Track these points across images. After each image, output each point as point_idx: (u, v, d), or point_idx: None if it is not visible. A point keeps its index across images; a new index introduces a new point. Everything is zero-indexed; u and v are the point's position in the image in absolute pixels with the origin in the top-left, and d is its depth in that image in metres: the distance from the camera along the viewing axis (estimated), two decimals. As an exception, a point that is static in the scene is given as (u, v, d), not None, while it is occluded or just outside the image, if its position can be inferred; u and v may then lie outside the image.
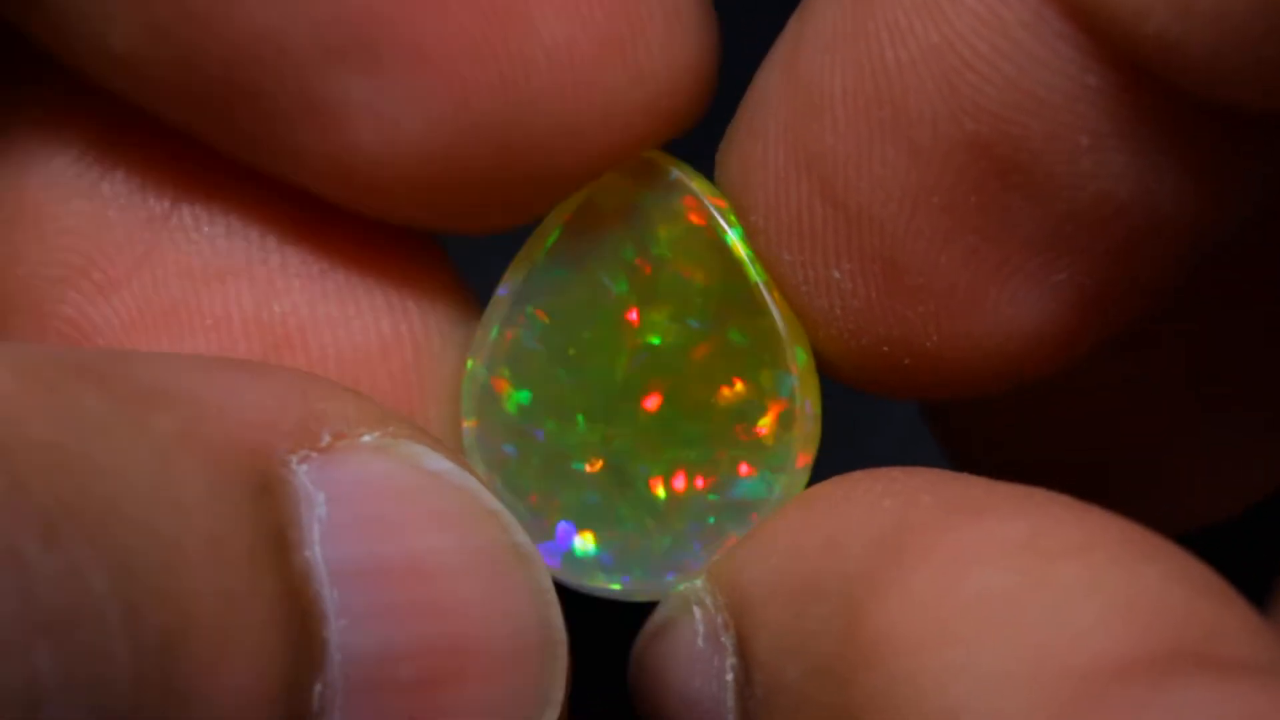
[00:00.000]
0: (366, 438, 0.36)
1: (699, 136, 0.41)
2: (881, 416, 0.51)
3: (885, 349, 0.38)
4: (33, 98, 0.40)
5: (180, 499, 0.31)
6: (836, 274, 0.38)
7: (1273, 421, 0.47)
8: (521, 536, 0.36)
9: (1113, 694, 0.29)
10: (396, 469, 0.36)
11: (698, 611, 0.37)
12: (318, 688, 0.33)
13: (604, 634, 0.40)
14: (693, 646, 0.37)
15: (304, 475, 0.34)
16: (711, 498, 0.39)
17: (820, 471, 0.39)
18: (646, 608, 0.40)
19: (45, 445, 0.30)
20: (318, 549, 0.34)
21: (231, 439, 0.33)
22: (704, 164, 0.40)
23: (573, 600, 0.38)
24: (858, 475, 0.37)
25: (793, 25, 0.38)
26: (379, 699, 0.34)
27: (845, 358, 0.39)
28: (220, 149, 0.39)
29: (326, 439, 0.35)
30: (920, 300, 0.37)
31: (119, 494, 0.30)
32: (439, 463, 0.36)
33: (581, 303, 0.39)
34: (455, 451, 0.38)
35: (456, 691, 0.35)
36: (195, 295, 0.39)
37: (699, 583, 0.38)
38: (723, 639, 0.36)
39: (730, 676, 0.36)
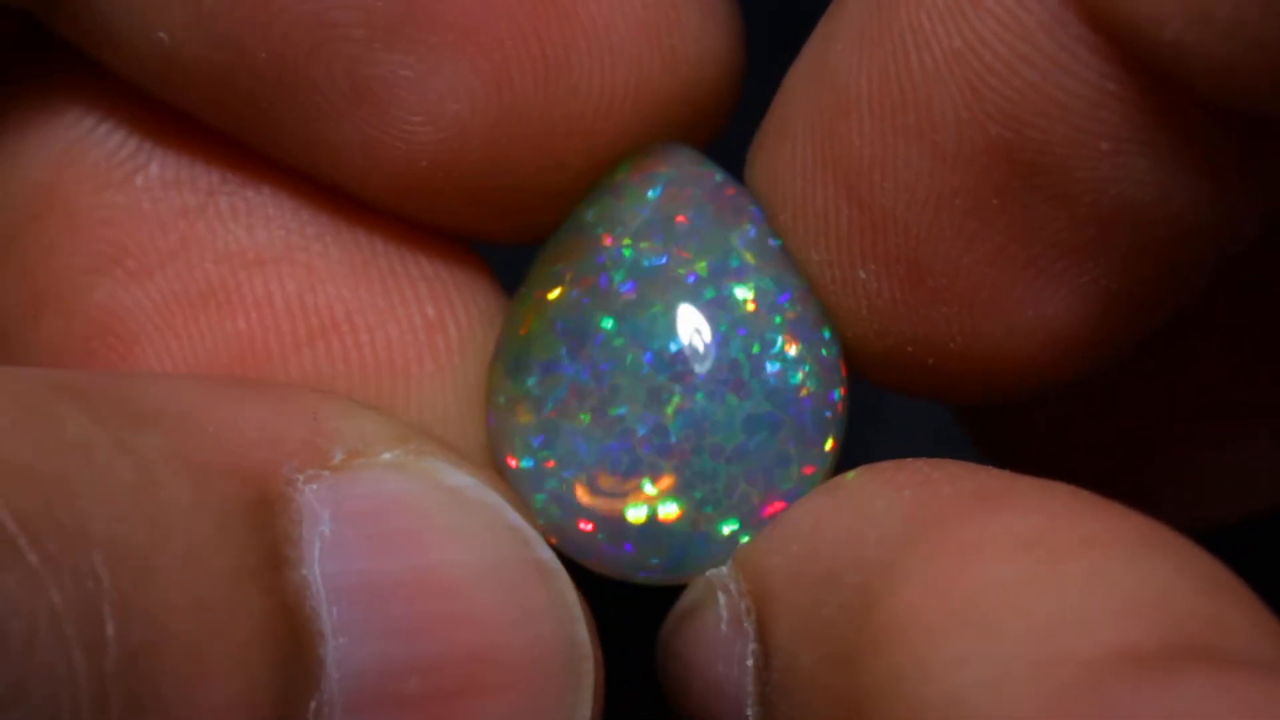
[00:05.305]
0: (386, 455, 0.36)
1: (730, 135, 0.42)
2: (914, 407, 0.51)
3: (910, 349, 0.38)
4: (67, 91, 0.40)
5: (158, 516, 0.31)
6: (862, 274, 0.38)
7: None
8: (545, 552, 0.36)
9: (1112, 683, 0.29)
10: (411, 485, 0.36)
11: (722, 597, 0.37)
12: (313, 705, 0.33)
13: (633, 618, 0.40)
14: (717, 632, 0.37)
15: (310, 494, 0.35)
16: None
17: (848, 460, 0.39)
18: (672, 594, 0.40)
19: (14, 465, 0.30)
20: (316, 567, 0.34)
21: (225, 457, 0.33)
22: (734, 163, 0.41)
23: (601, 587, 0.38)
24: (882, 465, 0.37)
25: (822, 26, 0.39)
26: (385, 714, 0.34)
27: (872, 357, 0.39)
28: (260, 150, 0.39)
29: (339, 456, 0.35)
30: (944, 301, 0.37)
31: (88, 511, 0.30)
32: (458, 478, 0.36)
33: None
34: (482, 467, 0.38)
35: (471, 705, 0.35)
36: (235, 278, 0.39)
37: (725, 569, 0.38)
38: (745, 624, 0.36)
39: (750, 662, 0.36)
